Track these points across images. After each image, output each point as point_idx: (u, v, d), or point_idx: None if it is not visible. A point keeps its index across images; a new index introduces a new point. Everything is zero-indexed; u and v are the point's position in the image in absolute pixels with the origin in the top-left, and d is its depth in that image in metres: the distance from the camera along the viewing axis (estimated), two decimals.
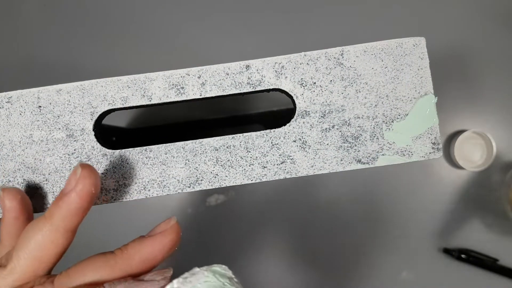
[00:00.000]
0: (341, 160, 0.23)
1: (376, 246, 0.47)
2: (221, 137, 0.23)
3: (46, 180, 0.22)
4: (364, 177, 0.48)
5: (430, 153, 0.23)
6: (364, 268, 0.47)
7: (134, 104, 0.23)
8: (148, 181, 0.22)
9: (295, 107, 0.23)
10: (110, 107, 0.23)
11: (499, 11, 0.50)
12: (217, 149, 0.23)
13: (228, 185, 0.22)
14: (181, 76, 0.23)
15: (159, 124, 0.49)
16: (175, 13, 0.50)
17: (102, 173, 0.22)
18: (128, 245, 0.19)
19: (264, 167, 0.23)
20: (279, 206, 0.48)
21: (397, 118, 0.23)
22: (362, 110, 0.23)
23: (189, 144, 0.23)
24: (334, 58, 0.23)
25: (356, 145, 0.23)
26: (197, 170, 0.22)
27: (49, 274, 0.20)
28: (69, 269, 0.19)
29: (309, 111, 0.23)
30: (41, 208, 0.22)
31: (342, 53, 0.23)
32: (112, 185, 0.22)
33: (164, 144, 0.23)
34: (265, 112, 0.48)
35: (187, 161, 0.22)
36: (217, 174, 0.23)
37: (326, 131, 0.23)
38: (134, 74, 0.23)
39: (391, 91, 0.23)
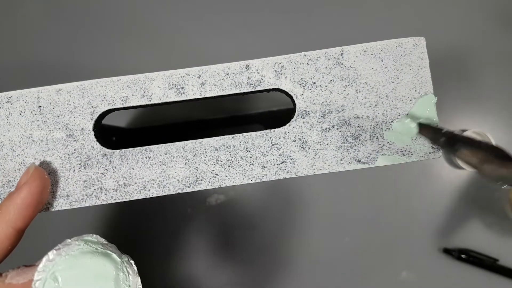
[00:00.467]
0: (341, 160, 0.23)
1: (376, 246, 0.47)
2: (221, 137, 0.23)
3: None
4: (364, 177, 0.48)
5: (429, 153, 0.23)
6: (364, 268, 0.47)
7: (134, 104, 0.23)
8: (148, 181, 0.22)
9: (295, 107, 0.23)
10: (110, 107, 0.23)
11: (499, 11, 0.50)
12: (217, 149, 0.23)
13: (228, 185, 0.22)
14: (181, 76, 0.23)
15: (159, 124, 0.49)
16: (175, 13, 0.50)
17: (102, 173, 0.22)
18: (2, 203, 0.20)
19: (264, 167, 0.23)
20: (279, 206, 0.48)
21: (397, 118, 0.23)
22: (362, 110, 0.23)
23: (189, 144, 0.23)
24: (334, 58, 0.23)
25: (356, 145, 0.23)
26: (197, 170, 0.22)
27: None
28: None
29: (309, 111, 0.23)
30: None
31: (342, 53, 0.23)
32: (112, 185, 0.22)
33: (164, 144, 0.23)
34: (265, 112, 0.48)
35: (187, 161, 0.22)
36: (217, 174, 0.23)
37: (326, 131, 0.23)
38: (134, 74, 0.23)
39: (391, 91, 0.23)
